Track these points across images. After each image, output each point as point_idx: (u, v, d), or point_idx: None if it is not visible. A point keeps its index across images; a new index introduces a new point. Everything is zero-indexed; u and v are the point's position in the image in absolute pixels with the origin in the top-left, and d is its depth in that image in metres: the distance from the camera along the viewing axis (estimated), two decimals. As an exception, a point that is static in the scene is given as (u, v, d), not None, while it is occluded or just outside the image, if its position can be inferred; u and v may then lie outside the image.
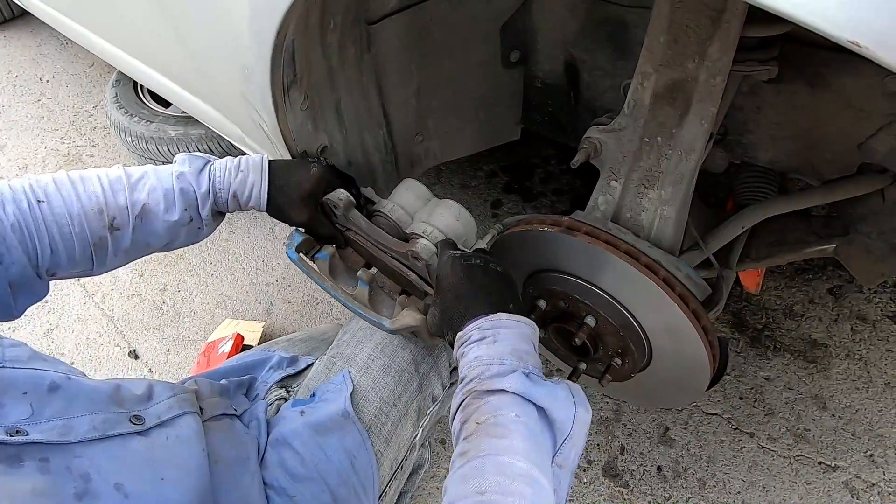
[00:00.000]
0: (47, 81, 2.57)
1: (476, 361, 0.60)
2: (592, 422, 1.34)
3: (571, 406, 0.57)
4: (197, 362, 1.46)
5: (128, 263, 0.79)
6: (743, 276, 1.44)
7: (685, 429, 1.32)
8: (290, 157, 0.93)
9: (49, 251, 0.68)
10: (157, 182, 0.76)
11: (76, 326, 1.68)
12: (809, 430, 1.29)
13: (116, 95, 1.79)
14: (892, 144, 0.81)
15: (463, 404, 0.58)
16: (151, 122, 1.67)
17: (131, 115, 1.71)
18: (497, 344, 0.60)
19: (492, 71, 1.19)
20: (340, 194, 0.87)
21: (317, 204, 0.86)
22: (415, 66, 1.08)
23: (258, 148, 1.12)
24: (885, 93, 0.77)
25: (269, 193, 0.82)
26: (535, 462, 0.52)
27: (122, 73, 1.83)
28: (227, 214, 0.87)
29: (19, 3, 1.95)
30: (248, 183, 0.81)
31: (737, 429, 1.31)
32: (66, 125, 2.34)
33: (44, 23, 1.82)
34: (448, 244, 0.75)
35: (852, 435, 1.27)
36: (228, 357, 1.35)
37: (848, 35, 0.30)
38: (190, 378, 0.82)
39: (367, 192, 0.94)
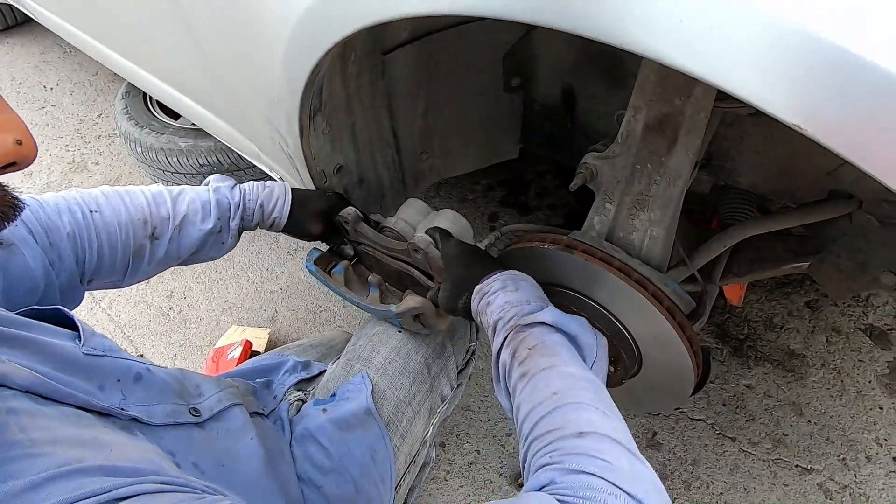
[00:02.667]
0: (51, 89, 2.61)
1: (507, 305, 0.69)
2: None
3: (593, 334, 0.67)
4: (206, 367, 1.50)
5: (152, 276, 0.85)
6: (727, 290, 1.53)
7: (672, 433, 1.40)
8: (309, 174, 1.00)
9: (96, 258, 0.74)
10: (196, 195, 0.84)
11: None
12: (787, 434, 1.37)
13: (126, 106, 1.85)
14: (856, 174, 0.90)
15: (508, 339, 0.66)
16: (162, 134, 1.73)
17: (141, 126, 1.77)
18: (520, 291, 0.70)
19: (494, 94, 1.27)
20: (349, 210, 0.96)
21: (329, 221, 0.96)
22: (422, 91, 1.16)
23: (273, 164, 1.19)
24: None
25: (291, 209, 0.91)
26: (584, 368, 0.62)
27: (130, 84, 1.88)
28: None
29: (26, 12, 1.99)
30: (274, 195, 0.90)
31: (720, 434, 1.39)
32: (70, 133, 2.38)
33: (47, 30, 1.86)
34: (446, 233, 0.85)
35: (826, 440, 1.35)
36: (239, 363, 1.40)
37: (792, 119, 0.38)
38: (222, 375, 0.88)
39: (376, 216, 1.04)
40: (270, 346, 1.58)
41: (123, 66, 1.50)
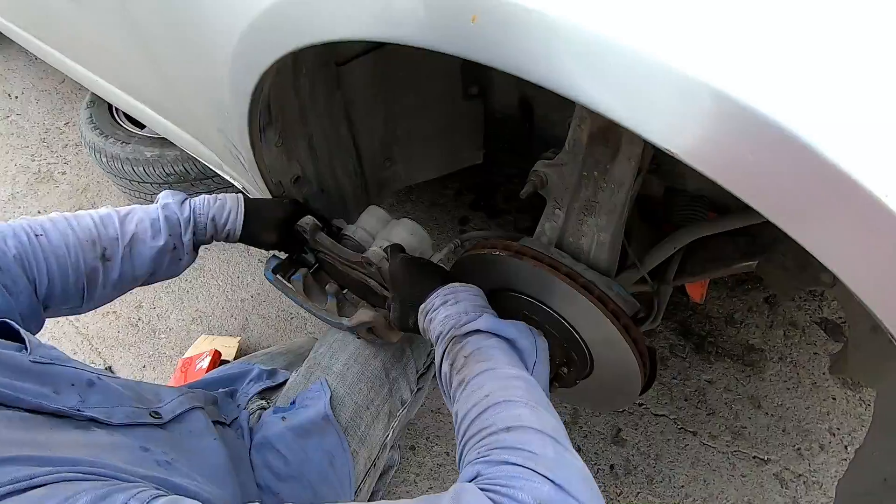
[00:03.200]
0: (16, 98, 2.57)
1: (446, 318, 0.71)
2: (552, 425, 1.45)
3: (532, 336, 0.70)
4: (174, 378, 1.50)
5: (114, 299, 0.85)
6: (689, 288, 1.57)
7: (636, 429, 1.44)
8: (266, 185, 1.01)
9: (46, 281, 0.74)
10: (144, 214, 0.84)
11: (50, 344, 1.69)
12: (746, 427, 1.42)
13: (91, 116, 1.83)
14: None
15: (446, 351, 0.69)
16: (127, 144, 1.71)
17: (106, 136, 1.75)
18: (460, 303, 0.72)
19: (453, 102, 1.29)
20: (308, 220, 0.98)
21: (287, 230, 0.97)
22: (381, 100, 1.17)
23: (235, 174, 1.19)
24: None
25: (244, 220, 0.91)
26: (519, 369, 0.64)
27: (96, 94, 1.86)
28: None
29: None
30: (226, 208, 0.90)
31: (682, 428, 1.43)
32: (36, 142, 2.34)
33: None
34: (397, 248, 0.85)
35: (783, 431, 1.41)
36: (207, 372, 1.40)
37: (666, 146, 0.42)
38: (184, 386, 0.89)
39: (338, 221, 1.05)
40: (241, 354, 1.58)
41: (85, 76, 1.49)
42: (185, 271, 1.86)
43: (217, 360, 1.47)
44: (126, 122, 1.83)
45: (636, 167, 0.86)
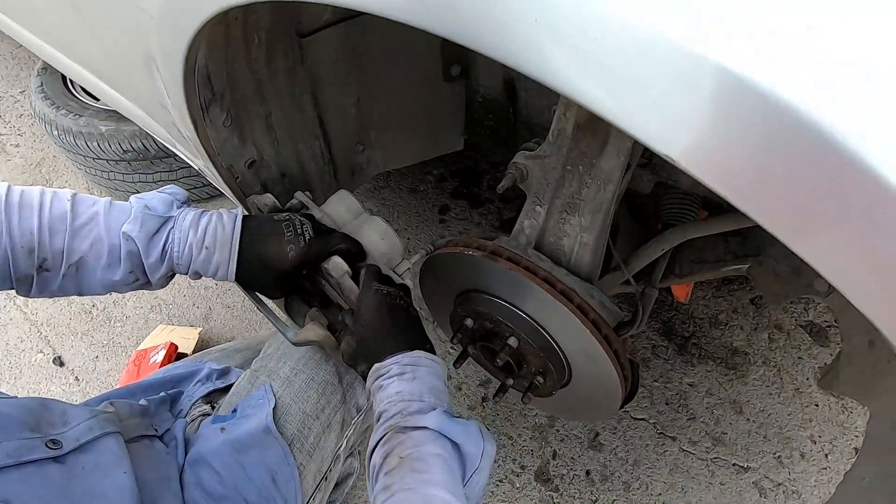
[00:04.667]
0: (-32, 62, 2.39)
1: (397, 396, 0.63)
2: (527, 428, 1.39)
3: (481, 441, 0.62)
4: (126, 370, 1.40)
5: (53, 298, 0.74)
6: (674, 288, 1.51)
7: (614, 433, 1.38)
8: (215, 170, 0.90)
9: None
10: (105, 234, 0.66)
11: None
12: (726, 433, 1.37)
13: (42, 85, 1.69)
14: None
15: (384, 439, 0.61)
16: (80, 116, 1.58)
17: (58, 107, 1.62)
18: (416, 381, 0.64)
19: (434, 84, 1.19)
20: (267, 198, 0.86)
21: (294, 278, 0.79)
22: (353, 78, 1.07)
23: (189, 155, 1.09)
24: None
25: (237, 276, 0.74)
26: (454, 493, 0.55)
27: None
28: None
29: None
30: (212, 264, 0.71)
31: (661, 433, 1.38)
32: (-12, 111, 2.18)
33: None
34: (373, 272, 0.75)
35: (764, 437, 1.36)
36: (161, 366, 1.31)
37: (664, 151, 0.33)
38: (103, 396, 0.79)
39: (301, 196, 0.92)
40: (201, 345, 1.49)
41: (32, 42, 1.35)
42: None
43: (173, 353, 1.38)
44: (81, 92, 1.69)
45: (625, 162, 0.78)
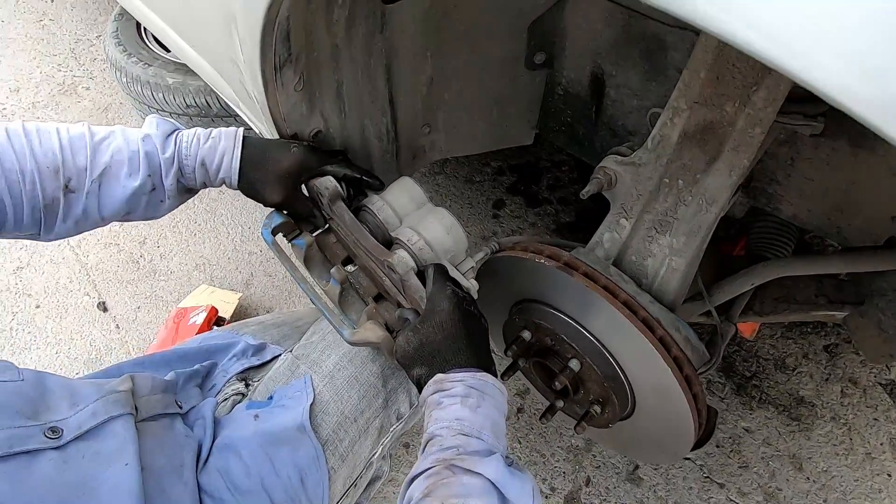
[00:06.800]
0: (52, 1, 2.44)
1: (457, 424, 0.57)
2: (562, 448, 1.31)
3: (531, 502, 0.54)
4: (165, 326, 1.40)
5: (77, 234, 0.72)
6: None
7: (655, 470, 1.28)
8: (280, 137, 0.85)
9: None
10: (124, 143, 0.69)
11: (48, 268, 1.61)
12: (781, 489, 1.25)
13: (117, 30, 1.69)
14: (929, 224, 0.74)
15: (433, 471, 0.54)
16: (150, 66, 1.58)
17: (129, 54, 1.61)
18: (479, 411, 0.57)
19: (513, 70, 1.10)
20: (328, 183, 0.81)
21: (295, 185, 0.80)
22: (430, 54, 0.99)
23: (252, 117, 1.04)
24: (935, 169, 0.69)
25: (241, 167, 0.75)
26: None
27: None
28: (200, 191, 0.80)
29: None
30: (218, 150, 0.74)
31: (708, 477, 1.27)
32: (65, 52, 2.23)
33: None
34: (443, 272, 0.69)
35: (824, 501, 1.23)
36: (199, 331, 1.29)
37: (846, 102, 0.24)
38: (131, 371, 0.75)
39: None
40: (239, 312, 1.47)
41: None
42: (197, 212, 1.75)
43: (213, 316, 1.36)
44: (153, 42, 1.69)
45: (737, 182, 0.68)
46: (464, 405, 0.56)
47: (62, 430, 0.53)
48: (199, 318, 1.32)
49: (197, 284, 1.55)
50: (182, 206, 1.75)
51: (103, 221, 0.72)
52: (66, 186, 0.65)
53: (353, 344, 0.72)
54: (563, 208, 1.76)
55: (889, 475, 1.26)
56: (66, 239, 1.64)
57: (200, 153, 0.72)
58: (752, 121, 0.62)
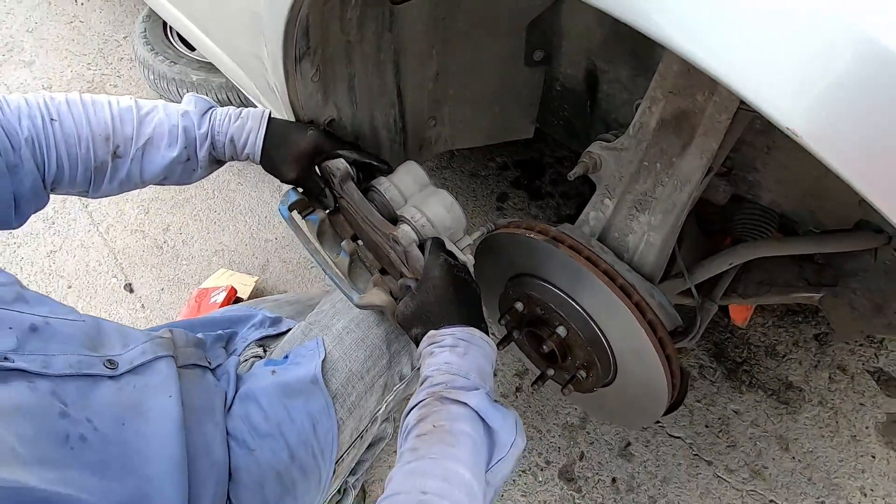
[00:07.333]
0: (81, 4, 2.57)
1: (445, 367, 0.64)
2: (558, 425, 1.38)
3: (514, 433, 0.62)
4: (188, 305, 1.50)
5: (119, 194, 0.82)
6: (732, 310, 1.44)
7: (646, 446, 1.35)
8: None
9: (55, 168, 0.71)
10: (165, 117, 0.79)
11: (78, 252, 1.72)
12: (767, 467, 1.31)
13: (145, 31, 1.80)
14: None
15: (423, 402, 0.62)
16: (175, 64, 1.68)
17: (156, 52, 1.72)
18: (466, 357, 0.65)
19: (513, 67, 1.18)
20: (340, 164, 0.90)
21: (309, 165, 0.89)
22: (436, 52, 1.08)
23: (271, 108, 1.13)
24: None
25: (263, 146, 0.84)
26: (475, 474, 0.56)
27: (152, 9, 1.83)
28: (230, 165, 0.90)
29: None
30: (245, 129, 0.83)
31: (696, 455, 1.33)
32: (94, 51, 2.35)
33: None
34: (439, 244, 0.77)
35: (808, 480, 1.29)
36: (220, 307, 1.39)
37: (787, 124, 0.31)
38: (165, 326, 0.85)
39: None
40: (255, 294, 1.56)
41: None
42: (216, 202, 1.85)
43: (232, 296, 1.45)
44: (178, 42, 1.80)
45: (707, 164, 0.75)
46: (452, 352, 0.64)
47: (117, 363, 0.62)
48: (220, 298, 1.42)
49: (216, 268, 1.65)
50: (203, 197, 1.86)
51: (143, 184, 0.81)
52: (115, 152, 0.75)
53: (360, 307, 0.80)
54: (565, 202, 1.83)
55: (873, 456, 1.31)
56: (96, 227, 1.76)
57: (230, 130, 0.82)
58: (718, 108, 0.70)
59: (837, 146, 0.32)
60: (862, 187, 0.33)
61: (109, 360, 0.62)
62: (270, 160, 0.85)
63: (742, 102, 0.70)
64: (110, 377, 0.61)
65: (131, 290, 1.63)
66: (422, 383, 0.65)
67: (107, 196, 0.82)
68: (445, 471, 0.54)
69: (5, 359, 0.51)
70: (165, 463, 0.60)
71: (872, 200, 0.34)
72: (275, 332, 0.98)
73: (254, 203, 1.83)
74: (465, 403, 0.60)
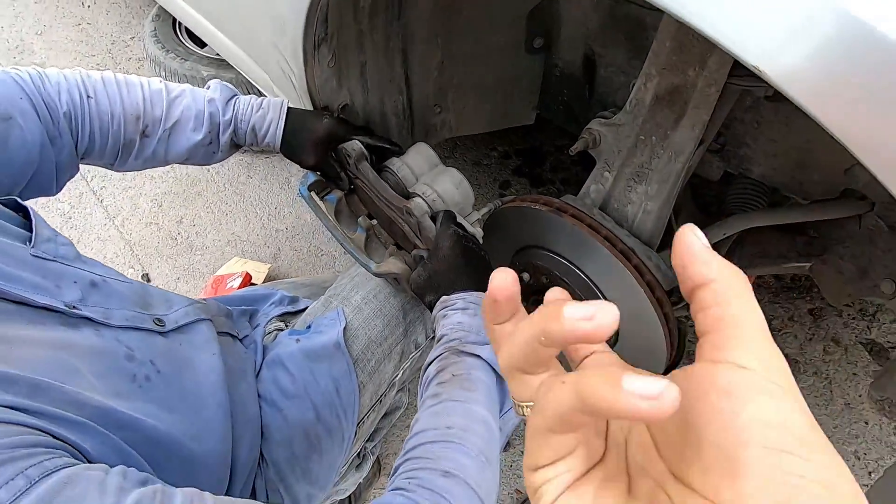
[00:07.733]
0: (88, 6, 2.63)
1: (458, 326, 0.70)
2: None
3: None
4: (205, 292, 1.55)
5: (142, 169, 0.88)
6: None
7: (648, 418, 1.40)
8: (313, 108, 1.00)
9: (87, 141, 0.77)
10: (192, 102, 0.84)
11: (95, 245, 1.78)
12: (764, 435, 1.36)
13: (155, 30, 1.86)
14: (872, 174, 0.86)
15: (441, 356, 0.68)
16: (186, 61, 1.74)
17: (167, 50, 1.78)
18: (477, 318, 0.70)
19: (514, 54, 1.24)
20: (355, 145, 0.95)
21: (326, 151, 0.95)
22: (441, 40, 1.13)
23: (284, 97, 1.19)
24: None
25: (283, 134, 0.90)
26: (493, 415, 0.63)
27: (162, 7, 1.88)
28: (240, 159, 0.96)
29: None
30: (266, 119, 0.89)
31: (696, 424, 1.39)
32: (103, 52, 2.41)
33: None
34: (450, 216, 0.82)
35: (804, 445, 1.34)
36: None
37: (752, 61, 0.37)
38: (215, 299, 0.91)
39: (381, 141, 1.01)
40: (268, 280, 1.62)
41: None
42: (227, 195, 1.90)
43: (247, 282, 1.51)
44: (187, 39, 1.85)
45: (699, 136, 0.81)
46: (464, 314, 0.70)
47: (164, 322, 0.68)
48: (236, 283, 1.47)
49: (230, 258, 1.71)
50: (214, 190, 1.91)
51: (166, 163, 0.88)
52: (143, 132, 0.81)
53: (377, 275, 0.86)
54: (566, 188, 1.88)
55: (866, 422, 1.37)
56: (112, 220, 1.82)
57: (252, 119, 0.87)
58: (708, 82, 0.75)
59: (803, 87, 0.37)
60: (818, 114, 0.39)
61: (158, 319, 0.67)
62: (290, 147, 0.91)
63: (730, 76, 0.76)
64: (160, 333, 0.66)
65: (148, 280, 1.69)
66: (438, 341, 0.71)
67: (131, 170, 0.88)
68: (466, 410, 0.60)
69: (73, 307, 0.57)
70: (216, 410, 0.66)
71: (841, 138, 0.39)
72: (294, 310, 1.04)
73: (264, 195, 1.89)
74: (479, 356, 0.66)
